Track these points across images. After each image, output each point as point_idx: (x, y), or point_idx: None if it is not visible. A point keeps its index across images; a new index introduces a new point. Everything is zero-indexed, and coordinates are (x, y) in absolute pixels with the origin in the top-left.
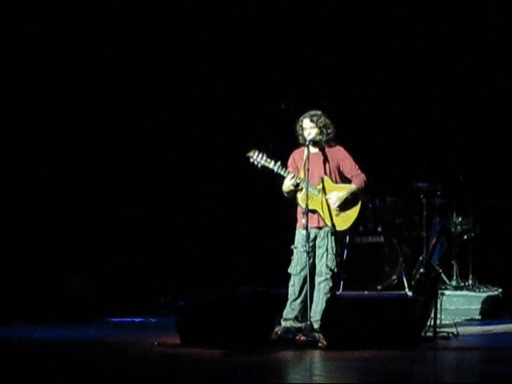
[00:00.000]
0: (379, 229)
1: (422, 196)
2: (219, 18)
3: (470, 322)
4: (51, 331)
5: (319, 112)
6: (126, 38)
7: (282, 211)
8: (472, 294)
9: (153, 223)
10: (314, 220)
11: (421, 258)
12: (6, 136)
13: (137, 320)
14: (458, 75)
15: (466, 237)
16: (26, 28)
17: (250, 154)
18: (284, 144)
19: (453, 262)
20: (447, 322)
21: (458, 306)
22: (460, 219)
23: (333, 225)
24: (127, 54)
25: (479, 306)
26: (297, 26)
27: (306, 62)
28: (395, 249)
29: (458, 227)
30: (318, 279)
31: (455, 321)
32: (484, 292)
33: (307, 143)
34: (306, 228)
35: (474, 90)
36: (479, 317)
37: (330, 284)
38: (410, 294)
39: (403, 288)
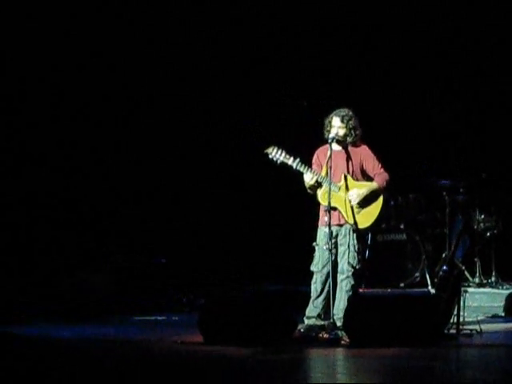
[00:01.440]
0: (402, 226)
1: (444, 193)
2: (222, 15)
3: (494, 319)
4: (74, 329)
5: (350, 112)
6: (126, 38)
7: (305, 209)
8: (495, 291)
9: (176, 222)
10: (335, 217)
11: (444, 255)
12: (6, 135)
13: (159, 318)
14: (474, 70)
15: (488, 234)
16: (26, 28)
17: (269, 150)
18: (304, 140)
19: (476, 260)
20: (470, 320)
21: (481, 304)
22: (483, 216)
23: (354, 222)
24: (127, 53)
25: (502, 303)
26: (299, 25)
27: (311, 62)
28: (418, 246)
29: (481, 224)
30: (339, 277)
31: (478, 318)
32: (507, 289)
33: (330, 141)
34: (329, 226)
35: (494, 87)
36: (502, 314)
37: (352, 282)
38: (432, 291)
39: (426, 285)
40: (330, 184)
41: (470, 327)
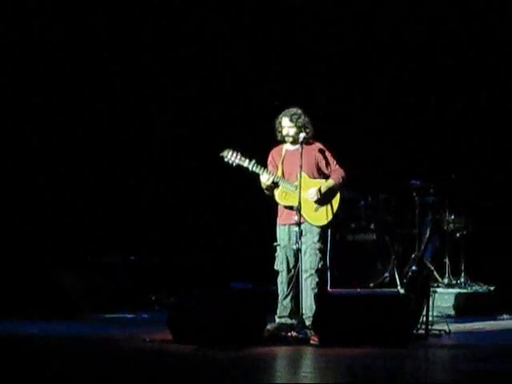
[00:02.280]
0: (371, 226)
1: (414, 194)
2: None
3: (462, 319)
4: (44, 326)
5: (299, 111)
6: (124, 37)
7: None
8: (464, 291)
9: (146, 220)
10: (293, 217)
11: (413, 255)
12: (5, 131)
13: (129, 316)
14: (452, 72)
15: (458, 235)
16: (26, 27)
17: (224, 153)
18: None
19: (445, 260)
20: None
21: (450, 304)
22: (452, 217)
23: (313, 220)
24: (127, 53)
25: (471, 304)
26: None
27: (299, 57)
28: (387, 246)
29: (451, 225)
30: (303, 275)
31: (446, 319)
32: (476, 290)
33: (301, 140)
34: (299, 225)
35: (469, 88)
36: (452, 313)
37: (316, 279)
38: (402, 291)
39: (395, 286)
40: (293, 184)
41: (439, 328)
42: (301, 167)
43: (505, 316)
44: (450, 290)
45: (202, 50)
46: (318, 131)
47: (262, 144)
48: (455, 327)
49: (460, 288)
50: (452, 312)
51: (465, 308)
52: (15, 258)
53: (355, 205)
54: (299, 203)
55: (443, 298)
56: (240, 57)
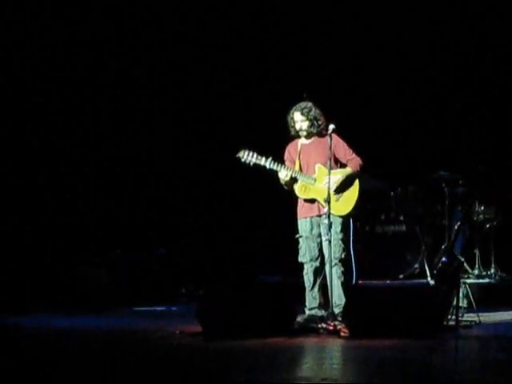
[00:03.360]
0: (401, 218)
1: (444, 185)
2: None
3: (492, 310)
4: (74, 321)
5: (309, 104)
6: (125, 36)
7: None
8: (494, 282)
9: (174, 213)
10: (314, 209)
11: (443, 246)
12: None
13: (158, 309)
14: (478, 65)
15: (488, 225)
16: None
17: (240, 154)
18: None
19: (475, 251)
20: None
21: (481, 295)
22: (482, 208)
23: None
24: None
25: (501, 295)
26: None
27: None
28: (417, 238)
29: (480, 216)
30: (327, 266)
31: (477, 310)
32: (506, 281)
33: (329, 132)
34: (328, 216)
35: (496, 80)
36: (502, 305)
37: (341, 268)
38: (432, 282)
39: (425, 277)
40: (311, 177)
41: (469, 319)
42: (330, 159)
43: None
44: (481, 281)
45: (207, 45)
46: (349, 123)
47: (274, 142)
48: (485, 318)
49: (490, 279)
50: (482, 303)
51: (495, 299)
52: (42, 255)
53: (385, 196)
54: (328, 195)
55: (473, 289)
56: (244, 54)
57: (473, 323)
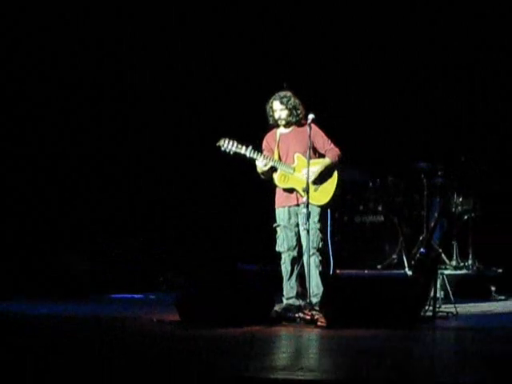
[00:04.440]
0: (380, 208)
1: (422, 176)
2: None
3: (470, 301)
4: (50, 307)
5: (289, 93)
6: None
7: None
8: (472, 273)
9: (153, 200)
10: (292, 199)
11: (421, 237)
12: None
13: (136, 296)
14: (460, 56)
15: (466, 217)
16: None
17: (220, 143)
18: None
19: (453, 242)
20: (446, 302)
21: (458, 286)
22: (460, 199)
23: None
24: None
25: (479, 286)
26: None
27: (303, 43)
28: (395, 228)
29: (459, 207)
30: (305, 256)
31: (454, 300)
32: (484, 272)
33: (309, 121)
34: (307, 206)
35: (477, 71)
36: (480, 297)
37: (319, 257)
38: (409, 273)
39: (403, 267)
40: (290, 166)
41: (446, 310)
42: (310, 149)
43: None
44: (458, 272)
45: (188, 38)
46: (329, 114)
47: (252, 131)
48: (462, 309)
49: (467, 270)
50: (459, 294)
51: (472, 290)
52: (23, 240)
53: (364, 187)
54: (307, 184)
55: (450, 280)
56: (225, 43)
57: (450, 314)
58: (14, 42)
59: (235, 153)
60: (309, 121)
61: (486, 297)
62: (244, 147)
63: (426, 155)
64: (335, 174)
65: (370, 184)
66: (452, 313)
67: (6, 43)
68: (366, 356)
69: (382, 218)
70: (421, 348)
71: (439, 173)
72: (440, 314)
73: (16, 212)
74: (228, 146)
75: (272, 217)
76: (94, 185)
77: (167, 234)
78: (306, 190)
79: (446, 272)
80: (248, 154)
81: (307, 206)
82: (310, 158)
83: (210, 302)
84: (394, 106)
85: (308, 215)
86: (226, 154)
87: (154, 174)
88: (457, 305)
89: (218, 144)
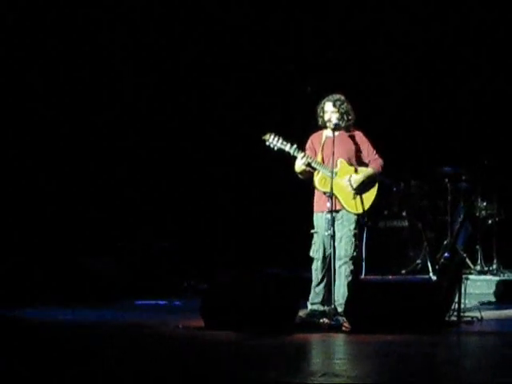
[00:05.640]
0: (404, 213)
1: (446, 180)
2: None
3: (494, 306)
4: (74, 313)
5: (342, 97)
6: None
7: (303, 194)
8: (496, 278)
9: (178, 206)
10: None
11: (445, 242)
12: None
13: (161, 303)
14: (484, 58)
15: (490, 221)
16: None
17: (266, 137)
18: (307, 127)
19: (477, 247)
20: (471, 307)
21: (482, 291)
22: (484, 204)
23: (351, 207)
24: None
25: (503, 291)
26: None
27: (325, 46)
28: (420, 233)
29: (483, 212)
30: (338, 263)
31: (479, 305)
32: (508, 277)
33: (332, 127)
34: (331, 212)
35: (501, 74)
36: (504, 301)
37: (351, 267)
38: (434, 278)
39: (427, 272)
40: (329, 170)
41: (471, 314)
42: (333, 154)
43: None
44: (483, 277)
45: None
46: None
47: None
48: (487, 314)
49: (492, 275)
50: (484, 299)
51: (497, 295)
52: (47, 245)
53: (388, 191)
54: (331, 189)
55: (475, 285)
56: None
57: (475, 319)
58: (13, 43)
59: (279, 149)
60: (332, 127)
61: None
62: (289, 144)
63: (450, 159)
64: (376, 184)
65: (394, 189)
66: (477, 317)
67: (6, 43)
68: (390, 361)
69: (407, 223)
70: (446, 353)
71: (463, 177)
72: (465, 318)
73: (40, 216)
74: (273, 141)
75: (299, 221)
76: (119, 189)
77: (192, 239)
78: (330, 196)
79: (471, 277)
80: (292, 152)
81: (331, 212)
82: (333, 165)
83: (234, 308)
84: (418, 110)
85: (332, 221)
86: (269, 148)
87: (180, 178)
88: (482, 310)
89: (263, 137)
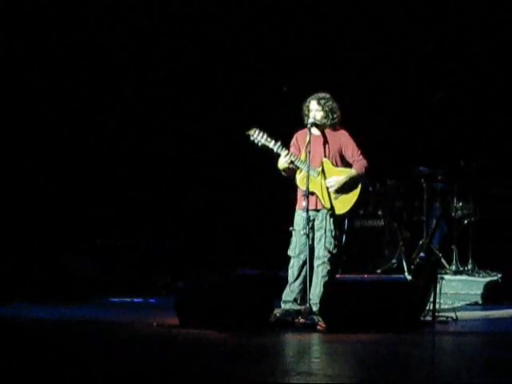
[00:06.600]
0: (379, 212)
1: (422, 180)
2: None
3: (469, 306)
4: (49, 310)
5: (328, 95)
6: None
7: (281, 192)
8: (471, 278)
9: (153, 204)
10: (312, 202)
11: (421, 242)
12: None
13: (136, 300)
14: (461, 58)
15: (466, 221)
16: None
17: (251, 132)
18: (286, 126)
19: (453, 247)
20: (446, 307)
21: (457, 291)
22: (460, 204)
23: (331, 208)
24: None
25: (478, 291)
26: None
27: (307, 44)
28: (395, 232)
29: (459, 212)
30: (316, 262)
31: (454, 305)
32: (483, 277)
33: (309, 126)
34: (307, 210)
35: (478, 74)
36: (480, 302)
37: (328, 267)
38: (409, 277)
39: (403, 272)
40: (308, 168)
41: (446, 314)
42: (309, 153)
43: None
44: (458, 277)
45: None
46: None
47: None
48: (462, 314)
49: (467, 275)
50: (459, 299)
51: (472, 295)
52: (24, 243)
53: (363, 191)
54: (307, 188)
55: (450, 285)
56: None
57: (450, 319)
58: (13, 43)
59: (263, 145)
60: (308, 125)
61: (485, 302)
62: (273, 141)
63: (426, 159)
64: (359, 185)
65: (370, 188)
66: (452, 317)
67: (6, 43)
68: (365, 360)
69: (382, 223)
70: (420, 352)
71: (439, 177)
72: (439, 318)
73: (16, 214)
74: (258, 136)
75: (277, 220)
76: (94, 187)
77: (167, 237)
78: (306, 195)
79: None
80: (276, 149)
81: (306, 211)
82: (309, 163)
83: (209, 306)
84: (393, 110)
85: (308, 220)
86: (253, 144)
87: (155, 177)
88: (457, 310)
89: (248, 133)
